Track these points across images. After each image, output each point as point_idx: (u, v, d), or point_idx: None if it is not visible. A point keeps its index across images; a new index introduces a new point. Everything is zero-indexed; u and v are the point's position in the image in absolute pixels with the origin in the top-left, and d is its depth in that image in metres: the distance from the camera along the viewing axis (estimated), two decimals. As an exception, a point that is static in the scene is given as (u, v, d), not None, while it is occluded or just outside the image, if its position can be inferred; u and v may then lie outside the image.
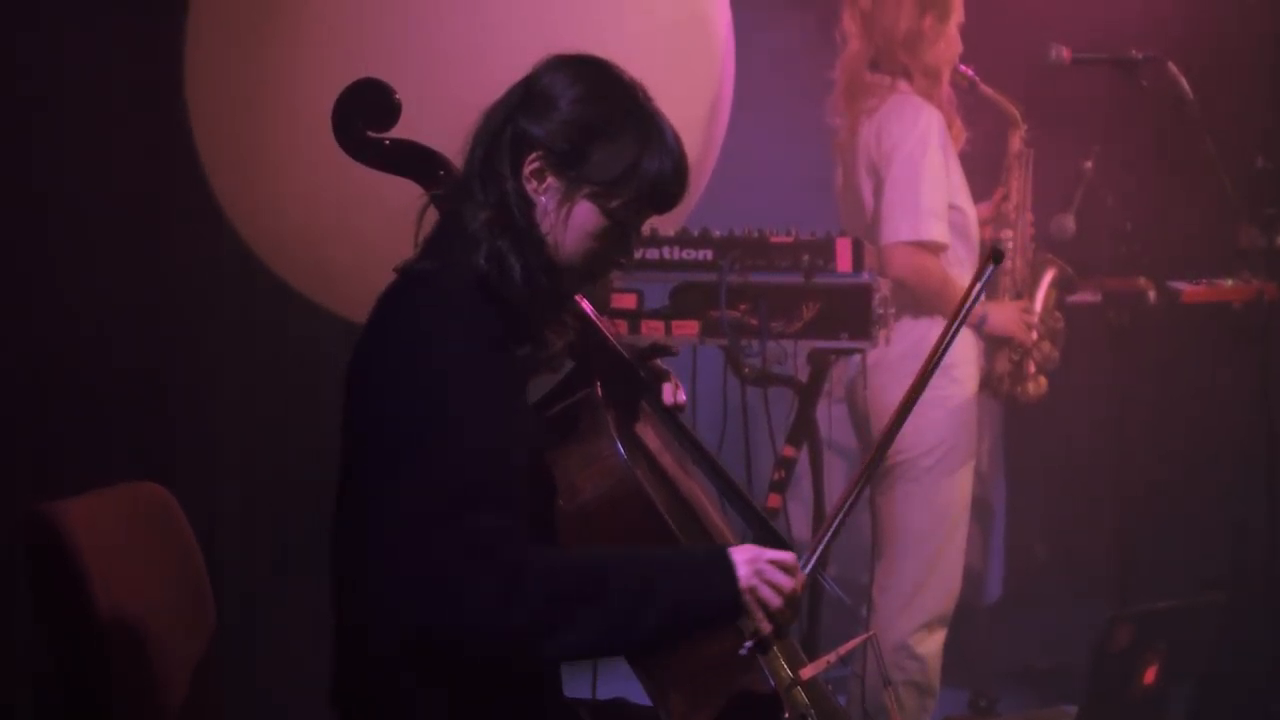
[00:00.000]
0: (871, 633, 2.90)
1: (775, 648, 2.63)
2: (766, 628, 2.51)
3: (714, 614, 2.48)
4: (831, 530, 2.64)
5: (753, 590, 2.48)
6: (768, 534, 2.82)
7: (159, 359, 4.58)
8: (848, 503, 2.66)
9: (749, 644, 2.53)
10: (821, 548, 2.63)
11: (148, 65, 4.44)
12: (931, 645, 4.53)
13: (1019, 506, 5.82)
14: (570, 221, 2.49)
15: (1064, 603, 6.04)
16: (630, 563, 2.45)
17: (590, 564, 2.43)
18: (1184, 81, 4.60)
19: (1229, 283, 4.79)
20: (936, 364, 2.74)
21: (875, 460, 2.77)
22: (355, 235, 4.19)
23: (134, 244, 4.49)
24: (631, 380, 2.76)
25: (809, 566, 2.59)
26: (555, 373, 2.72)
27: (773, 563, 2.50)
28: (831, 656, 2.67)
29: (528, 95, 2.52)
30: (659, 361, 2.84)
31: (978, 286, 2.80)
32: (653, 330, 4.00)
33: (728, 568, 2.47)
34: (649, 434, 2.79)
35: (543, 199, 2.49)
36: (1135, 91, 4.65)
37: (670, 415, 2.78)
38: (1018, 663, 5.74)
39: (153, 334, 4.56)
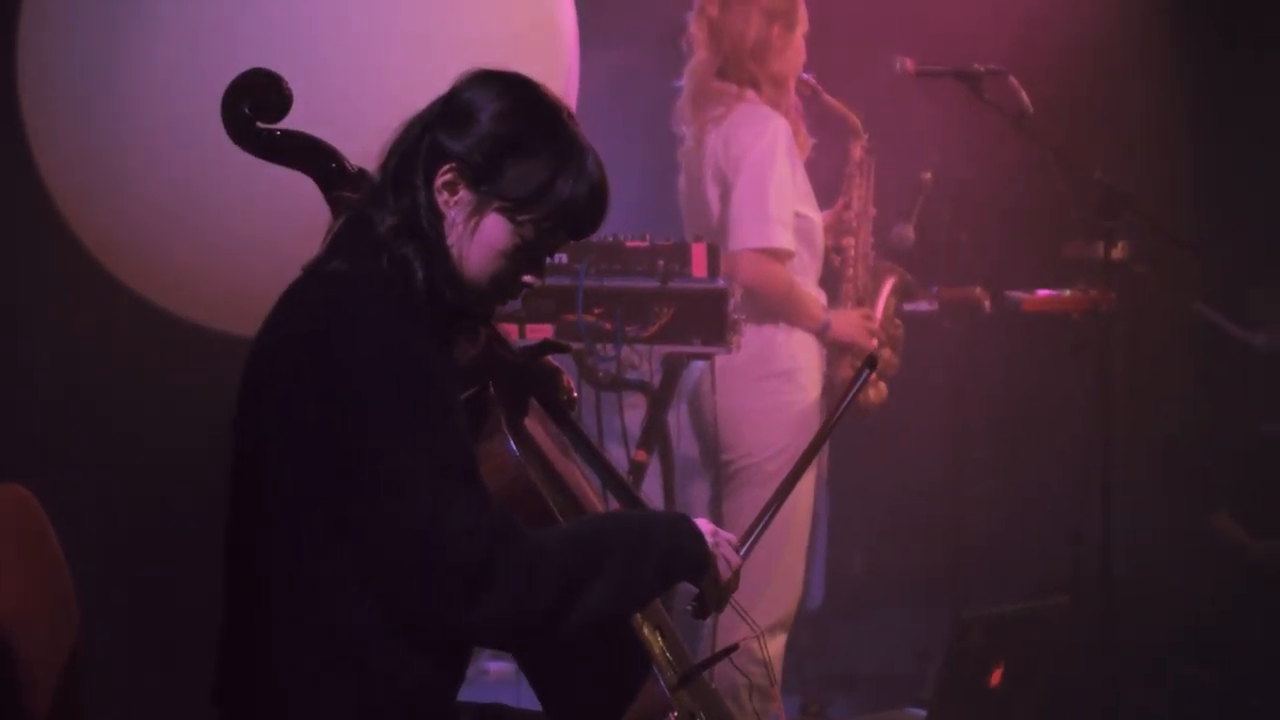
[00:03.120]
0: (760, 631, 2.91)
1: (664, 644, 2.65)
2: (711, 597, 2.60)
3: (689, 570, 2.56)
4: (762, 526, 2.73)
5: (714, 559, 2.57)
6: None
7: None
8: (775, 505, 2.77)
9: (689, 608, 2.63)
10: (753, 541, 2.69)
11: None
12: (773, 649, 4.55)
13: (840, 514, 5.88)
14: (477, 235, 2.47)
15: (883, 610, 6.12)
16: (616, 526, 2.52)
17: (583, 533, 2.48)
18: (1024, 95, 4.69)
19: (1067, 293, 4.92)
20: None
21: (804, 465, 2.88)
22: (202, 238, 4.08)
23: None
24: (523, 377, 2.75)
25: (744, 554, 2.67)
26: None
27: (726, 540, 2.61)
28: (719, 655, 2.69)
29: (448, 107, 2.50)
30: (551, 358, 2.84)
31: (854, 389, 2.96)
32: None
33: (696, 529, 2.56)
34: (536, 426, 2.79)
35: (452, 211, 2.47)
36: (977, 104, 4.74)
37: (561, 411, 2.79)
38: (841, 669, 5.80)
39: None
